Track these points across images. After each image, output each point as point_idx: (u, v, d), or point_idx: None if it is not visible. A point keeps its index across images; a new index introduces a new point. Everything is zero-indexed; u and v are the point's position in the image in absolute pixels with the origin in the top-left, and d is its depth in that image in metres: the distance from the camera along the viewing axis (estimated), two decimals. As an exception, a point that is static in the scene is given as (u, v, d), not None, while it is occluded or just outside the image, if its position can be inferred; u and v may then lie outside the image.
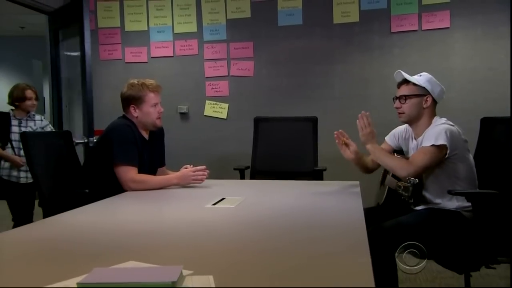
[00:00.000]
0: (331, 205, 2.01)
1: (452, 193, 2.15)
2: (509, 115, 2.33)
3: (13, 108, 3.61)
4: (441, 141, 2.12)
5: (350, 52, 3.89)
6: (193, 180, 2.40)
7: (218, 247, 1.34)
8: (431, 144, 2.13)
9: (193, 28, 4.15)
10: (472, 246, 2.07)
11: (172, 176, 2.47)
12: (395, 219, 2.17)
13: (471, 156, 2.29)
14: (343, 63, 3.90)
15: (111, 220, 1.76)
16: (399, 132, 2.50)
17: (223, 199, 2.06)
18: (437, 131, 2.15)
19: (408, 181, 2.15)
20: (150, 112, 2.44)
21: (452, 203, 2.20)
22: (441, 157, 2.15)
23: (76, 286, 0.94)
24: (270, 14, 3.99)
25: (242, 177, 3.39)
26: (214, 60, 4.13)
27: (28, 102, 3.57)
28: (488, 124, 2.47)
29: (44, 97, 4.54)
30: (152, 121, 2.46)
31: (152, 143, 2.54)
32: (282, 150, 3.50)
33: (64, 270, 1.08)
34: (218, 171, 4.02)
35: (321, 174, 3.23)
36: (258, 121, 3.61)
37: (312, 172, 3.26)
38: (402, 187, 2.24)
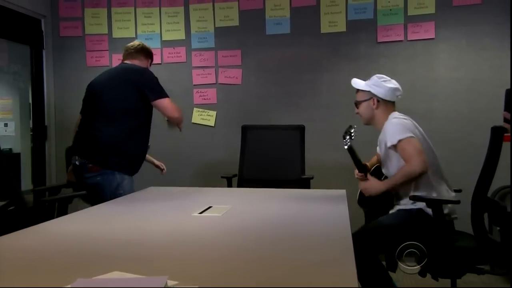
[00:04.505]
0: (318, 214, 2.02)
1: (412, 198, 2.22)
2: (493, 124, 2.35)
3: None
4: (405, 134, 2.21)
5: (337, 61, 3.92)
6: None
7: (204, 257, 1.33)
8: (398, 140, 2.21)
9: (181, 35, 4.15)
10: (448, 252, 2.10)
11: None
12: (376, 220, 2.21)
13: (430, 144, 2.35)
14: (330, 72, 3.92)
15: (95, 230, 1.74)
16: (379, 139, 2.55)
17: (210, 207, 2.05)
18: (393, 129, 2.26)
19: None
20: None
21: (417, 204, 2.25)
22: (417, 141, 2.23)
23: (58, 298, 0.93)
24: (258, 23, 4.01)
25: (230, 185, 3.38)
26: (202, 68, 4.12)
27: None
28: (498, 133, 2.48)
29: (30, 103, 4.53)
30: None
31: None
32: (269, 158, 3.51)
33: (46, 281, 1.07)
34: (205, 179, 4.01)
35: (308, 183, 3.24)
36: (245, 129, 3.62)
37: (299, 181, 3.27)
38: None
